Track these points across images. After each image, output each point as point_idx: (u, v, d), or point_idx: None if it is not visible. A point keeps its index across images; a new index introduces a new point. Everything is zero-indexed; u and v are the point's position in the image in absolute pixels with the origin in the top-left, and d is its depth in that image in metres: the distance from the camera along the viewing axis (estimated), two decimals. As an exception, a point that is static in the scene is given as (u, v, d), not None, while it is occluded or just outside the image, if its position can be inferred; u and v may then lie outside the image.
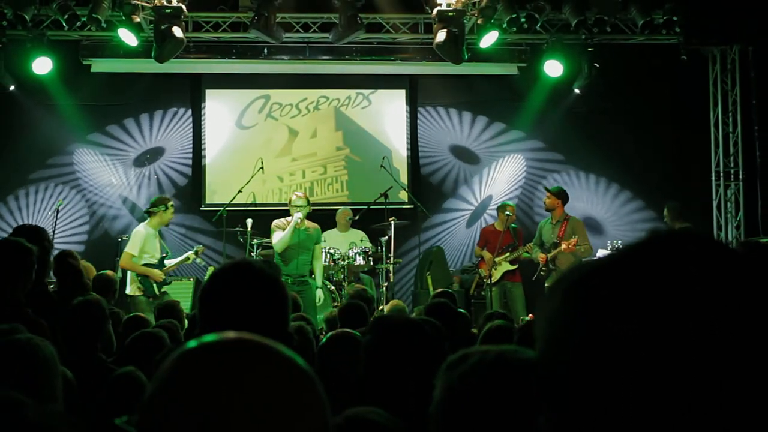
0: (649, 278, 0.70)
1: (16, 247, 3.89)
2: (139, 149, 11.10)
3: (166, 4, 9.05)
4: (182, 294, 8.96)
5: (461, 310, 5.27)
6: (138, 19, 9.15)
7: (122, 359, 3.79)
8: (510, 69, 10.79)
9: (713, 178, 10.86)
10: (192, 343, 0.86)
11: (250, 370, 0.83)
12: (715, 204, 10.85)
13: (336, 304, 8.50)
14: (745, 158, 10.66)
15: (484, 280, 9.30)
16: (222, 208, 9.39)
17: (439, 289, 6.38)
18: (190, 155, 11.19)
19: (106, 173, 11.00)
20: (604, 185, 11.46)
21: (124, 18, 9.03)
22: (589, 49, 10.03)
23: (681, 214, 9.51)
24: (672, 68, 10.46)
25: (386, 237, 9.36)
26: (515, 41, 10.23)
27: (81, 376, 3.02)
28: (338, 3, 9.37)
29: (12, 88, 9.99)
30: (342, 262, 9.14)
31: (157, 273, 8.11)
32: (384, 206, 9.49)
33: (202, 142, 11.14)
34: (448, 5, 9.27)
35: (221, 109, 11.23)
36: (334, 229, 9.77)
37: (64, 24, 9.16)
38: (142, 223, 8.42)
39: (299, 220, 8.23)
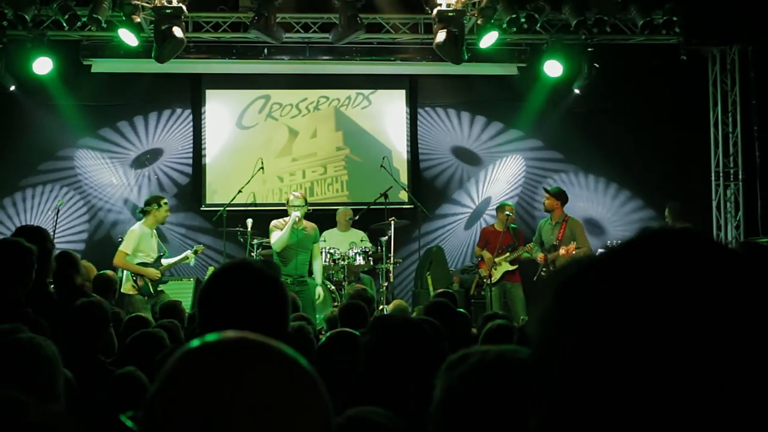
0: (646, 277, 0.69)
1: (16, 247, 3.89)
2: (140, 149, 11.11)
3: (166, 4, 9.06)
4: (182, 294, 8.95)
5: (461, 310, 5.27)
6: (138, 20, 9.15)
7: (122, 359, 3.79)
8: (510, 69, 10.79)
9: (713, 178, 10.87)
10: (194, 343, 0.87)
11: (252, 369, 0.84)
12: (714, 204, 10.85)
13: (336, 303, 8.51)
14: (744, 158, 10.66)
15: (484, 280, 9.29)
16: (222, 208, 9.39)
17: (440, 290, 6.38)
18: (191, 155, 11.19)
19: (107, 173, 11.00)
20: (603, 185, 11.46)
21: (124, 18, 9.04)
22: (589, 50, 10.04)
23: (682, 214, 9.51)
24: (672, 68, 10.47)
25: (386, 237, 9.36)
26: (515, 41, 10.23)
27: (80, 377, 3.02)
28: (338, 3, 9.37)
29: (12, 88, 9.99)
30: (342, 262, 9.14)
31: (152, 271, 8.09)
32: (384, 206, 9.49)
33: (203, 142, 11.14)
34: (448, 5, 9.27)
35: (221, 109, 11.23)
36: (335, 228, 9.77)
37: (65, 24, 9.16)
38: (138, 222, 8.42)
39: (297, 220, 8.25)
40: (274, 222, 8.51)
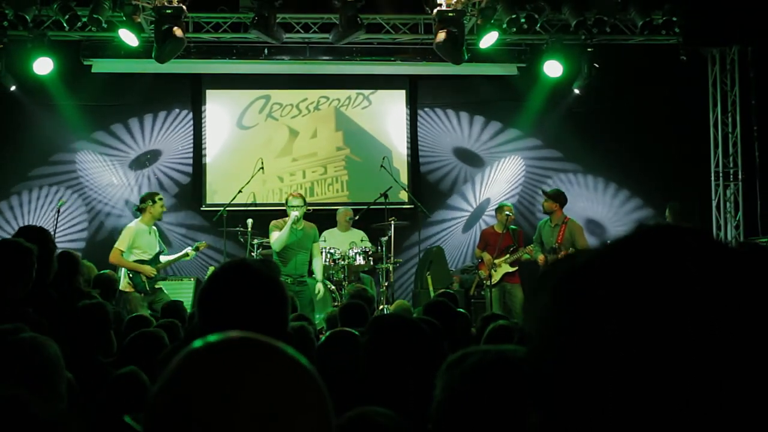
0: (646, 275, 0.68)
1: (16, 247, 3.90)
2: (140, 149, 11.11)
3: (166, 4, 9.06)
4: (182, 294, 8.95)
5: (461, 310, 5.27)
6: (139, 20, 9.16)
7: (121, 359, 3.79)
8: (510, 69, 10.79)
9: (712, 178, 10.87)
10: (197, 343, 0.87)
11: (254, 369, 0.84)
12: (714, 204, 10.86)
13: (336, 303, 8.51)
14: (744, 158, 10.67)
15: (484, 281, 9.30)
16: (222, 208, 9.39)
17: (441, 290, 6.38)
18: (191, 155, 11.20)
19: (107, 173, 11.01)
20: (603, 185, 11.47)
21: (124, 18, 9.05)
22: (589, 50, 10.03)
23: (682, 214, 9.52)
24: (671, 69, 10.47)
25: (386, 237, 9.37)
26: (515, 42, 10.23)
27: (80, 377, 3.03)
28: (338, 3, 9.37)
29: (13, 88, 9.99)
30: (342, 262, 9.15)
31: (147, 269, 8.07)
32: (384, 206, 9.49)
33: (203, 142, 11.15)
34: (448, 6, 9.28)
35: (222, 110, 11.24)
36: (335, 228, 9.77)
37: (65, 24, 9.16)
38: (135, 220, 8.41)
39: (296, 219, 8.28)
40: (273, 222, 8.53)
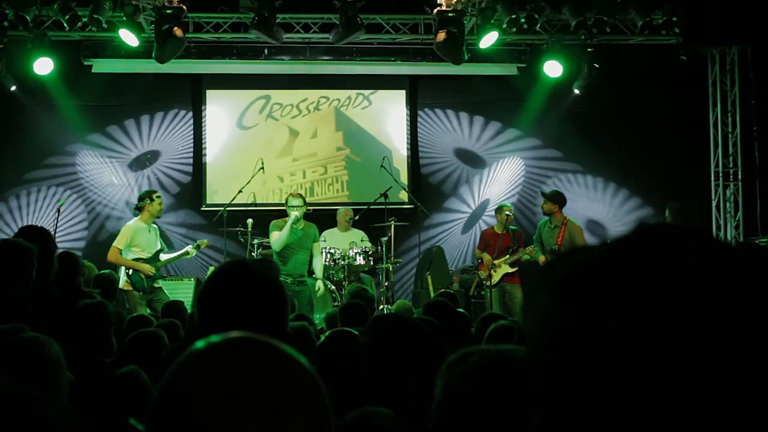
0: (646, 275, 0.68)
1: (16, 247, 3.90)
2: (140, 149, 11.11)
3: (166, 4, 9.07)
4: (182, 294, 8.95)
5: (461, 310, 5.27)
6: (139, 20, 9.16)
7: (122, 359, 3.80)
8: (510, 69, 10.79)
9: (712, 178, 10.87)
10: (199, 344, 0.88)
11: (255, 369, 0.85)
12: (714, 204, 10.86)
13: (336, 303, 8.52)
14: (744, 158, 10.67)
15: (484, 282, 9.30)
16: (222, 208, 9.40)
17: (441, 290, 6.38)
18: (191, 155, 11.20)
19: (107, 173, 11.01)
20: (603, 185, 11.47)
21: (125, 18, 9.05)
22: (589, 50, 10.04)
23: (682, 214, 9.52)
24: (671, 69, 10.48)
25: (386, 237, 9.37)
26: (515, 42, 10.24)
27: (80, 377, 3.03)
28: (338, 3, 9.38)
29: (13, 88, 10.00)
30: (342, 262, 9.15)
31: (146, 267, 8.07)
32: (384, 206, 9.49)
33: (203, 142, 11.15)
34: (448, 6, 9.28)
35: (222, 110, 11.24)
36: (335, 228, 9.78)
37: (65, 24, 9.17)
38: (134, 218, 8.41)
39: (296, 219, 8.29)
40: (273, 221, 8.56)
